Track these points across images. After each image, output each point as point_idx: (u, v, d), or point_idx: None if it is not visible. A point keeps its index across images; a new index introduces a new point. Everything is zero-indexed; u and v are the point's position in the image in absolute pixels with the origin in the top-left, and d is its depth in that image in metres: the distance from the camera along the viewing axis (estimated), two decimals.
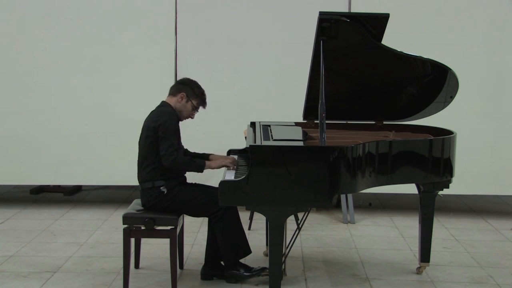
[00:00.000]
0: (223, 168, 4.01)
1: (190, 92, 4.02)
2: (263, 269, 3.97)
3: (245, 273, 3.97)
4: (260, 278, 3.97)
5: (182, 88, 4.03)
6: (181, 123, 4.05)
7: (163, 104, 4.04)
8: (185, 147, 4.18)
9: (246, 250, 3.97)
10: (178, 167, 3.88)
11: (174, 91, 4.05)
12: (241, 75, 5.85)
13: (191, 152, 4.22)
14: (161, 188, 3.88)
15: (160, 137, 3.85)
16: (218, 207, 3.79)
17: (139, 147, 4.00)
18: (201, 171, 3.95)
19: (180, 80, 4.17)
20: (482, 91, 5.76)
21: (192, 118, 4.12)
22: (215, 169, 4.02)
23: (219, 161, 4.01)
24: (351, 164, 3.57)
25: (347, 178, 3.56)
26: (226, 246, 3.90)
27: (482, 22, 5.71)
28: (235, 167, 3.95)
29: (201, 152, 4.24)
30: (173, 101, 4.02)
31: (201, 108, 4.12)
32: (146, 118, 4.01)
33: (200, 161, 3.96)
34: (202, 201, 3.88)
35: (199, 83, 4.10)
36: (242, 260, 4.05)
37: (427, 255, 4.21)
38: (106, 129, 5.87)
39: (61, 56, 5.83)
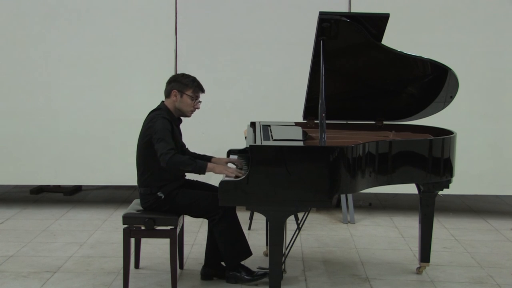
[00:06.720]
0: None
1: (179, 86, 3.94)
2: (265, 274, 3.93)
3: (246, 277, 3.95)
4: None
5: (171, 87, 3.96)
6: (181, 123, 4.04)
7: (161, 106, 3.98)
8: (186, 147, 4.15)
9: (246, 252, 3.94)
10: (177, 166, 3.68)
11: (166, 93, 3.98)
12: (241, 75, 5.84)
13: (191, 152, 4.15)
14: (158, 193, 3.84)
15: (154, 139, 3.76)
16: (217, 210, 3.77)
17: (137, 149, 3.96)
18: (203, 173, 3.74)
19: (168, 80, 4.03)
20: (482, 91, 5.76)
21: (198, 108, 4.01)
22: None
23: (222, 168, 3.75)
24: (351, 164, 3.56)
25: (347, 178, 3.56)
26: (226, 249, 3.87)
27: (482, 22, 5.71)
28: (237, 174, 3.66)
29: (201, 153, 4.18)
30: (170, 103, 3.96)
31: (202, 95, 4.01)
32: (144, 120, 3.97)
33: (202, 162, 3.77)
34: (201, 205, 3.84)
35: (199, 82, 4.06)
36: (242, 262, 4.02)
37: (427, 255, 4.21)
38: (106, 129, 5.86)
39: (61, 56, 5.82)
